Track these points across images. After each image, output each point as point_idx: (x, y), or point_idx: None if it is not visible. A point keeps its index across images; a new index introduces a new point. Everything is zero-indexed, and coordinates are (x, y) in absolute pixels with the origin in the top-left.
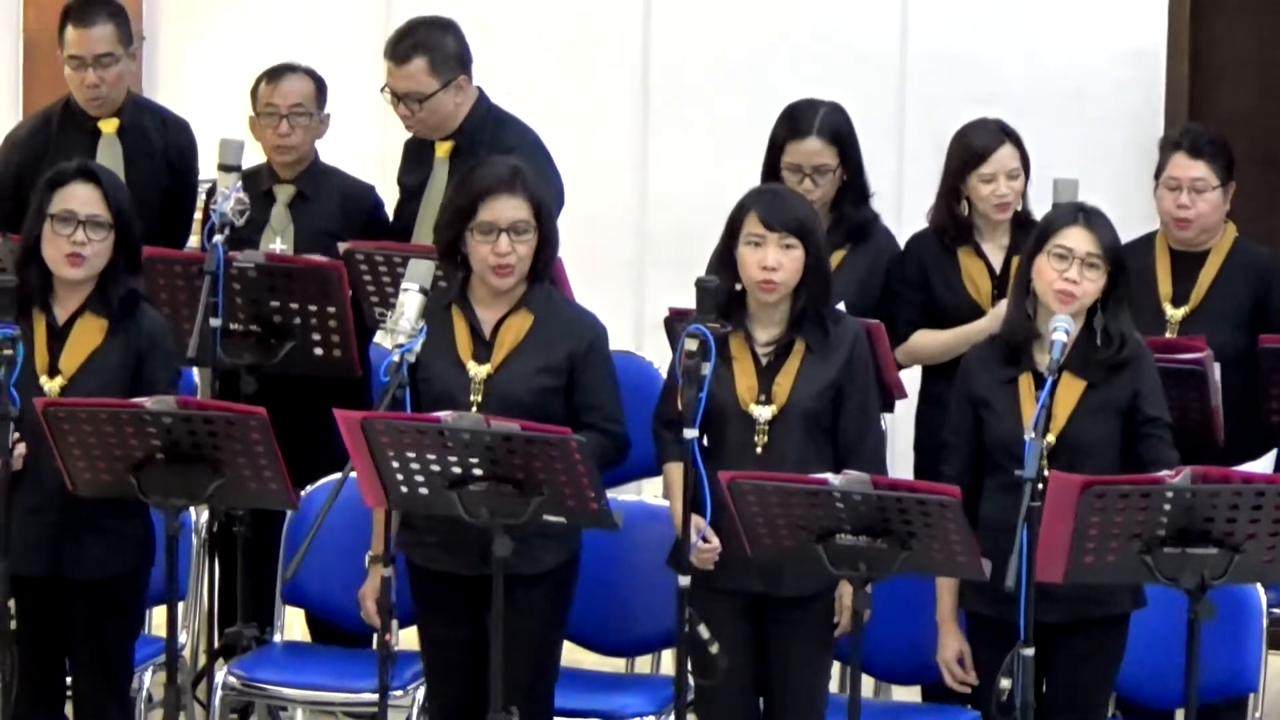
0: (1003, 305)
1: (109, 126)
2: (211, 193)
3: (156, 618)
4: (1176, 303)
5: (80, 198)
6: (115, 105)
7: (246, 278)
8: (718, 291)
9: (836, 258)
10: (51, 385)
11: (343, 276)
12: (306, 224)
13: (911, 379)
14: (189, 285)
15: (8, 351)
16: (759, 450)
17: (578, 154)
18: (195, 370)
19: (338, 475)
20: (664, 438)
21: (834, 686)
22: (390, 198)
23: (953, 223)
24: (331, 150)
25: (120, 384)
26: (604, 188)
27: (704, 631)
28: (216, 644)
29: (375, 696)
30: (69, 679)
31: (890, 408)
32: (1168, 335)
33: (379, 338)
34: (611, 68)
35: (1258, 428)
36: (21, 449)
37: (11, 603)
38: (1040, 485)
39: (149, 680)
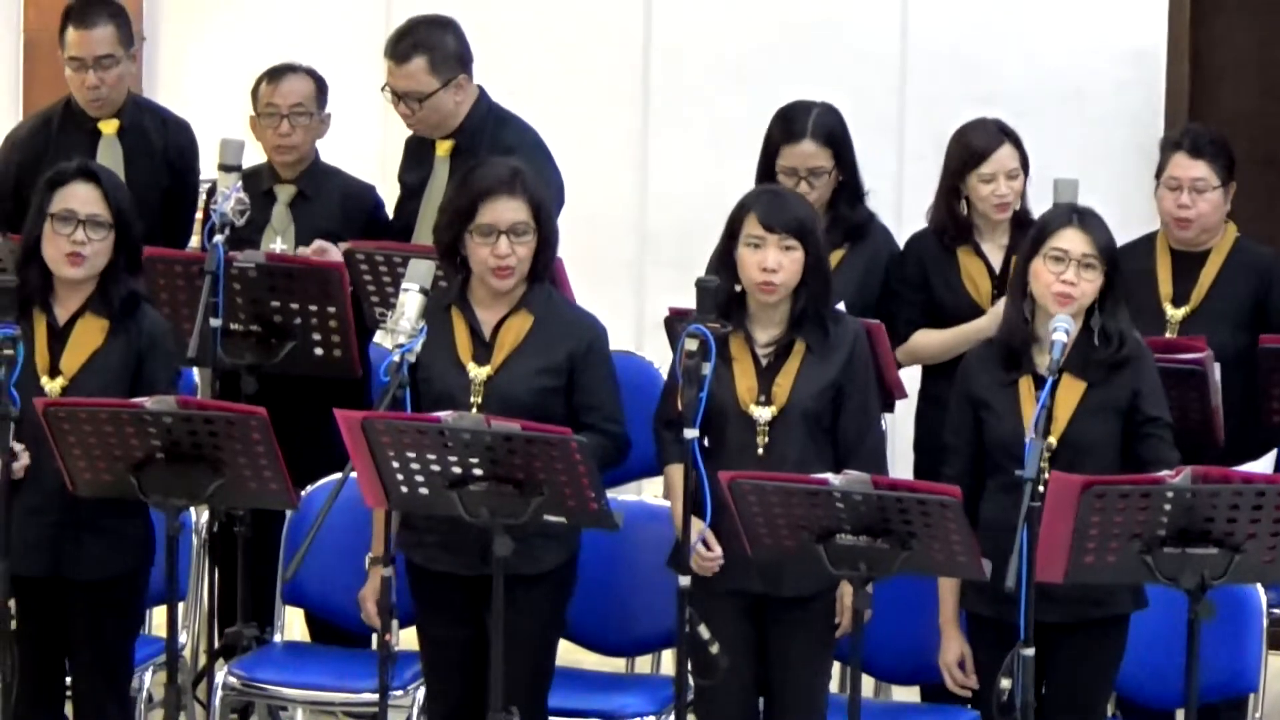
0: (1002, 304)
1: (109, 127)
2: (212, 193)
3: (157, 618)
4: (1177, 303)
5: (80, 197)
6: (116, 106)
7: (247, 278)
8: (718, 292)
9: (835, 258)
10: (52, 386)
11: (343, 276)
12: (307, 224)
13: (911, 378)
14: (189, 285)
15: (8, 351)
16: (760, 451)
17: (578, 154)
18: (195, 370)
19: (338, 475)
20: (665, 438)
21: (834, 686)
22: (391, 197)
23: (952, 222)
24: (332, 150)
25: (121, 384)
26: (604, 188)
27: (704, 632)
28: (217, 644)
29: (375, 696)
30: (69, 679)
31: (890, 407)
32: (1168, 335)
33: (379, 337)
34: (612, 67)
35: (1258, 428)
36: (25, 460)
37: (12, 603)
38: (1040, 486)
39: (149, 680)
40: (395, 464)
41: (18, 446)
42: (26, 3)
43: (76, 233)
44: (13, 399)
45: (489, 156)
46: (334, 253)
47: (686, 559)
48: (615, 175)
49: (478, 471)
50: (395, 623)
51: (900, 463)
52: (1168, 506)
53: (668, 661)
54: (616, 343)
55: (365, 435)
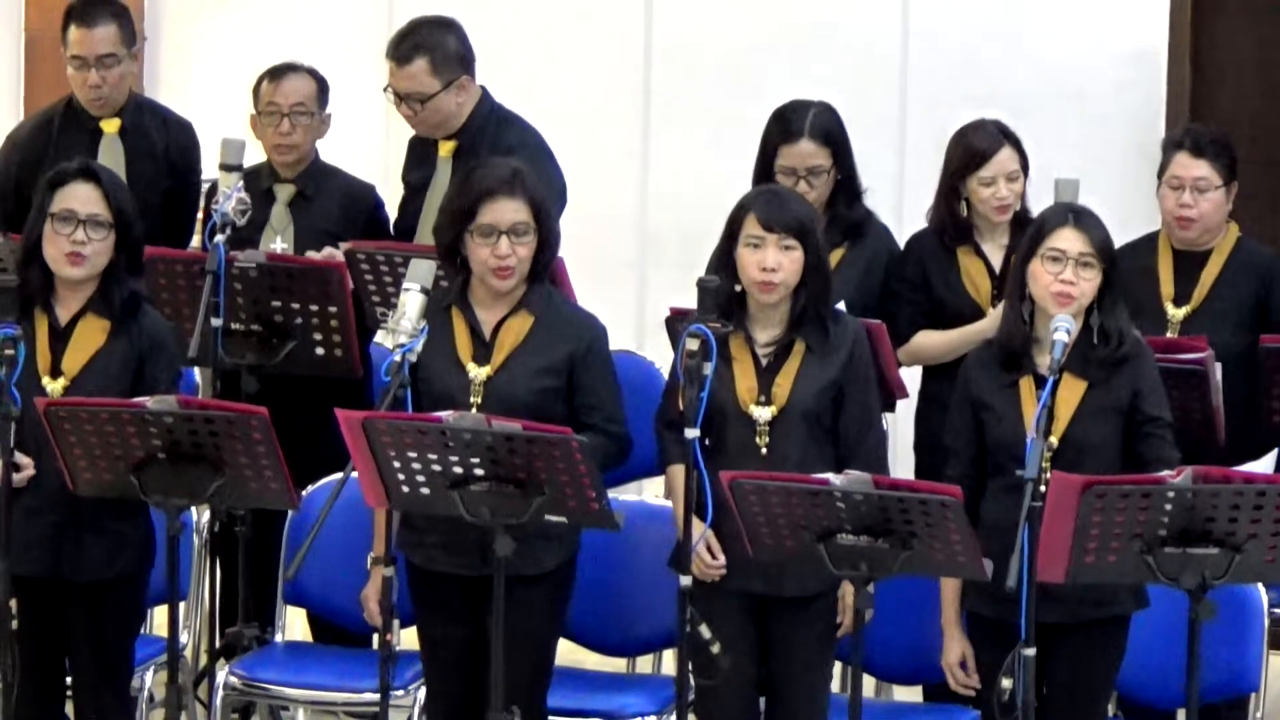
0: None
1: (111, 127)
2: (213, 192)
3: (158, 617)
4: (1178, 302)
5: (81, 197)
6: (117, 105)
7: (248, 277)
8: (718, 291)
9: (834, 257)
10: (54, 386)
11: (344, 276)
12: (307, 223)
13: (912, 378)
14: (190, 285)
15: (9, 351)
16: (761, 451)
17: (579, 154)
18: (196, 370)
19: (339, 475)
20: (666, 438)
21: (835, 686)
22: (392, 198)
23: (952, 223)
24: (334, 150)
25: (122, 385)
26: (605, 188)
27: (705, 631)
28: (218, 644)
29: (376, 696)
30: (69, 679)
31: (892, 407)
32: (1169, 335)
33: (380, 337)
34: (613, 67)
35: (1259, 428)
36: (29, 472)
37: (12, 603)
38: (1042, 486)
39: (150, 680)
40: (396, 464)
41: (23, 459)
42: (28, 2)
43: (77, 233)
44: (14, 399)
45: (491, 157)
46: (341, 259)
47: (687, 559)
48: (616, 175)
49: (479, 471)
50: (396, 622)
51: (901, 463)
52: (1169, 506)
53: (669, 661)
54: (618, 343)
55: (366, 435)
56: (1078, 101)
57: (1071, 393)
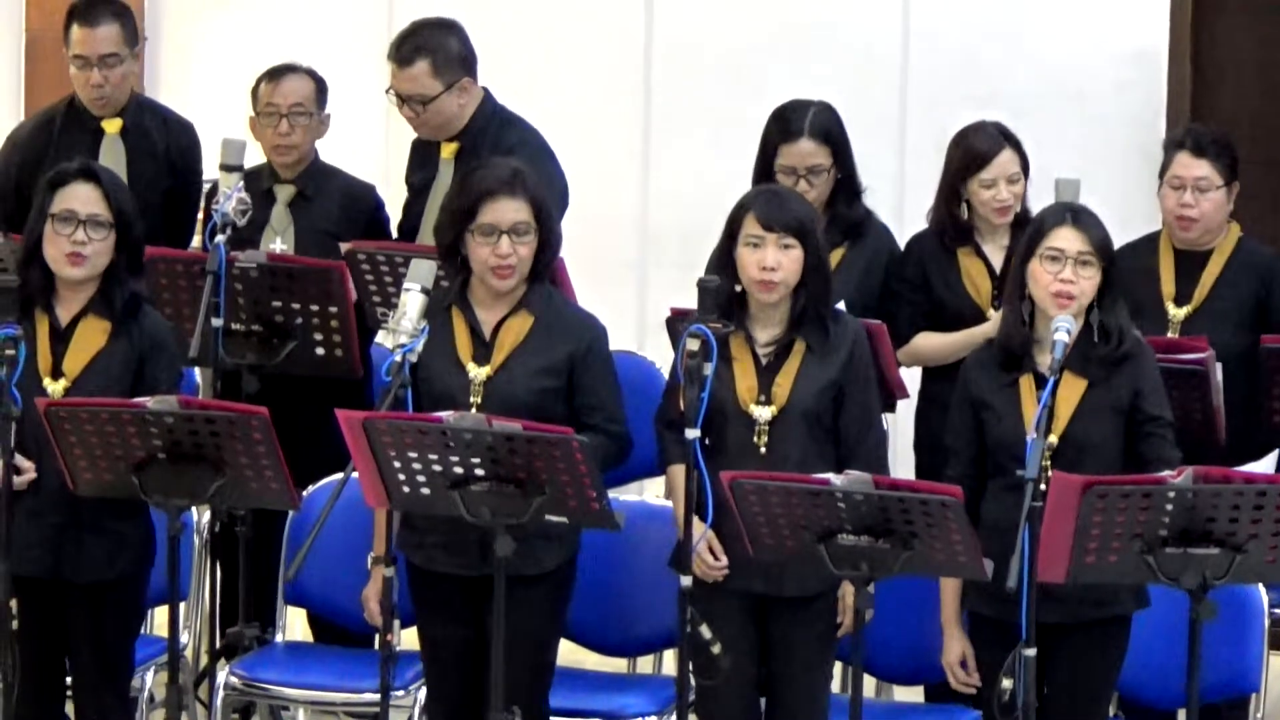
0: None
1: (112, 127)
2: (214, 193)
3: (158, 618)
4: (1179, 302)
5: (81, 197)
6: (119, 105)
7: (248, 278)
8: (719, 291)
9: (834, 257)
10: (55, 387)
11: (344, 276)
12: (307, 224)
13: (912, 378)
14: (191, 285)
15: (10, 352)
16: (761, 451)
17: (580, 154)
18: (197, 370)
19: (339, 475)
20: (666, 438)
21: (836, 686)
22: (393, 198)
23: (952, 224)
24: (335, 151)
25: (122, 387)
26: (606, 188)
27: (706, 632)
28: (218, 644)
29: (377, 696)
30: (69, 679)
31: (892, 407)
32: (1170, 335)
33: (380, 337)
34: (613, 68)
35: (1259, 428)
36: (30, 475)
37: (13, 603)
38: (1042, 485)
39: (150, 680)
40: (397, 464)
41: (24, 463)
42: (29, 3)
43: (77, 233)
44: (14, 399)
45: (492, 158)
46: None
47: (688, 559)
48: (617, 175)
49: (479, 471)
50: (397, 623)
51: (901, 463)
52: (1169, 506)
53: (669, 661)
54: (618, 343)
55: (367, 435)
56: (1078, 101)
57: (1071, 391)
